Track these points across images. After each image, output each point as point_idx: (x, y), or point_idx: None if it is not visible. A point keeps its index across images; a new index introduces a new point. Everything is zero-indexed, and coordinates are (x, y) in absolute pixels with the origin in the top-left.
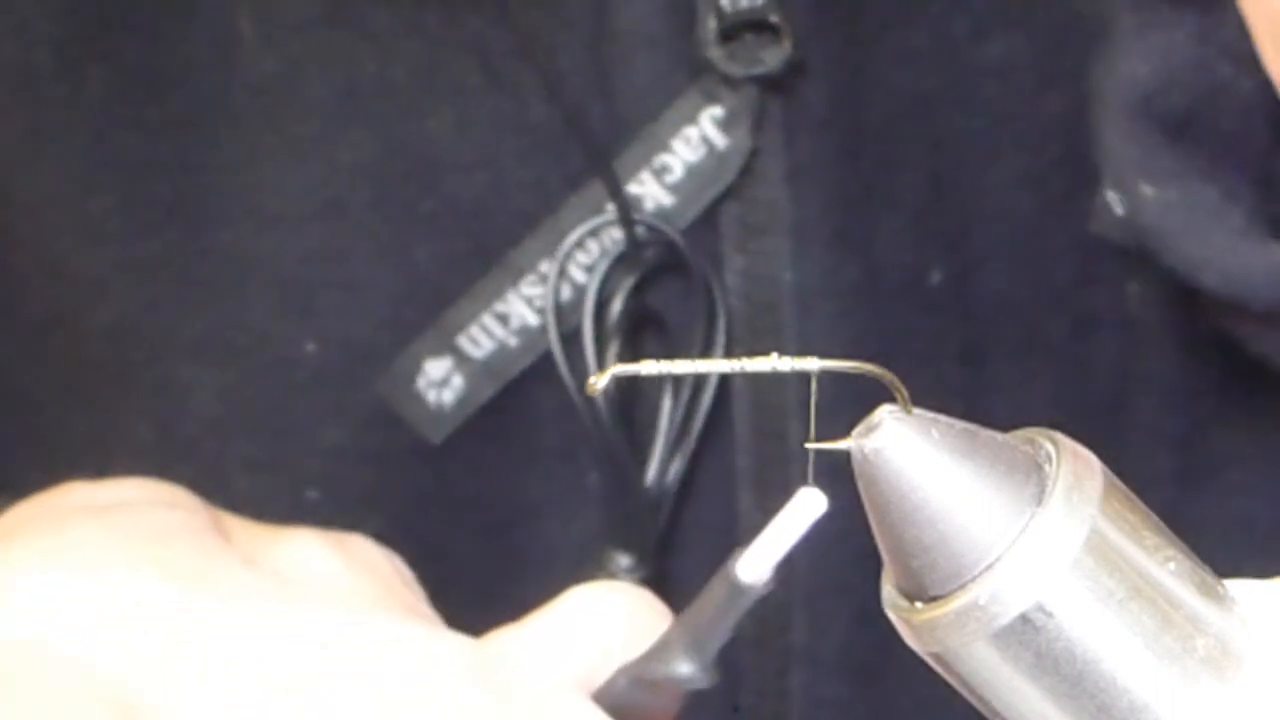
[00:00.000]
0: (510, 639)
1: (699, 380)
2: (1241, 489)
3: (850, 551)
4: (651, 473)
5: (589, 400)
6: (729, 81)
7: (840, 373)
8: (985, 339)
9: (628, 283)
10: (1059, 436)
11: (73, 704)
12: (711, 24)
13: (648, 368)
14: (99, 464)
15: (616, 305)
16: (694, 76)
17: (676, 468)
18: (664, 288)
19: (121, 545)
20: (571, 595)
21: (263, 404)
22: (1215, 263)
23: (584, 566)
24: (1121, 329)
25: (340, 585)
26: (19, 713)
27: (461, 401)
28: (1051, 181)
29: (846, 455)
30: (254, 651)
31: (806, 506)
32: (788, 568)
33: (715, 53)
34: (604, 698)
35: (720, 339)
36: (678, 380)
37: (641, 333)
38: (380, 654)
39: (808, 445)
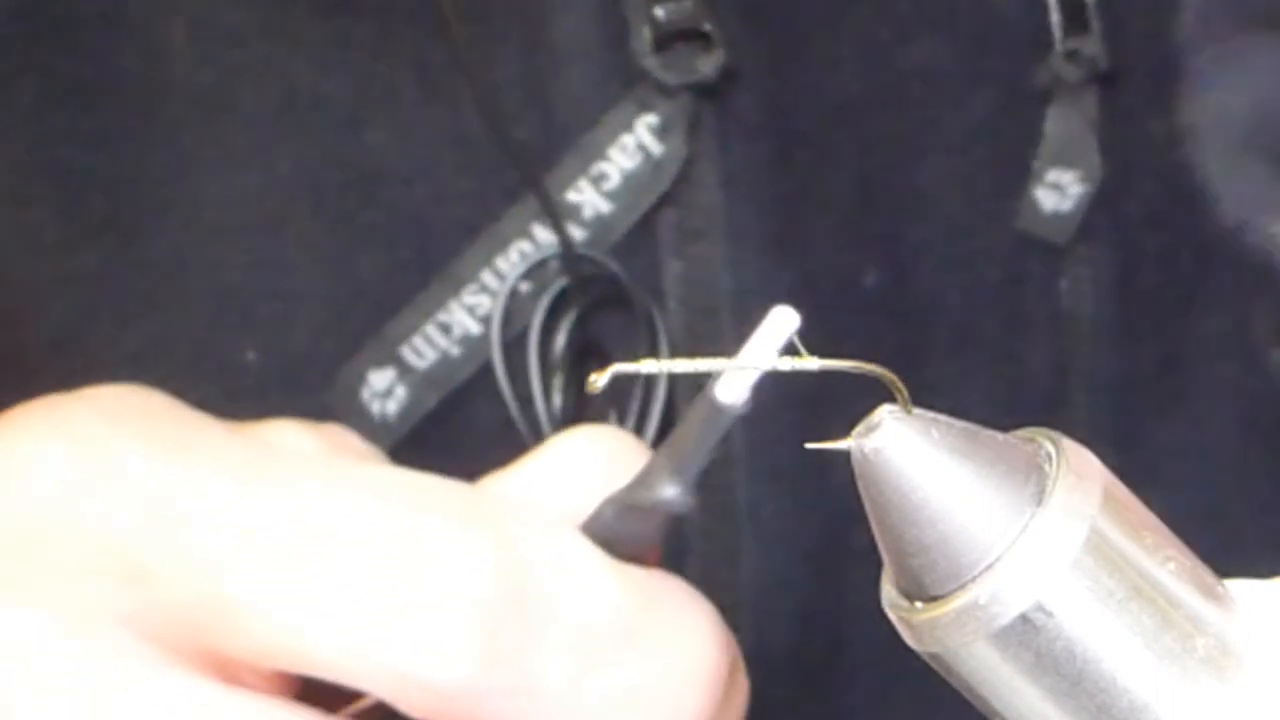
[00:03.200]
0: (500, 480)
1: (644, 408)
2: (1181, 483)
3: (796, 552)
4: None
5: (532, 421)
6: (664, 90)
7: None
8: (920, 339)
9: (570, 316)
10: (1059, 436)
11: (83, 571)
12: (646, 34)
13: (648, 366)
14: None
15: (560, 339)
16: (628, 85)
17: None
18: (605, 316)
19: (114, 420)
20: (555, 439)
21: (206, 413)
22: None
23: None
24: (1054, 326)
25: (323, 454)
26: (21, 588)
27: (405, 412)
28: (978, 182)
29: (789, 457)
30: (252, 509)
31: (780, 325)
32: (733, 570)
33: (650, 62)
34: (591, 528)
35: (662, 380)
36: (622, 408)
37: (584, 362)
38: (373, 499)
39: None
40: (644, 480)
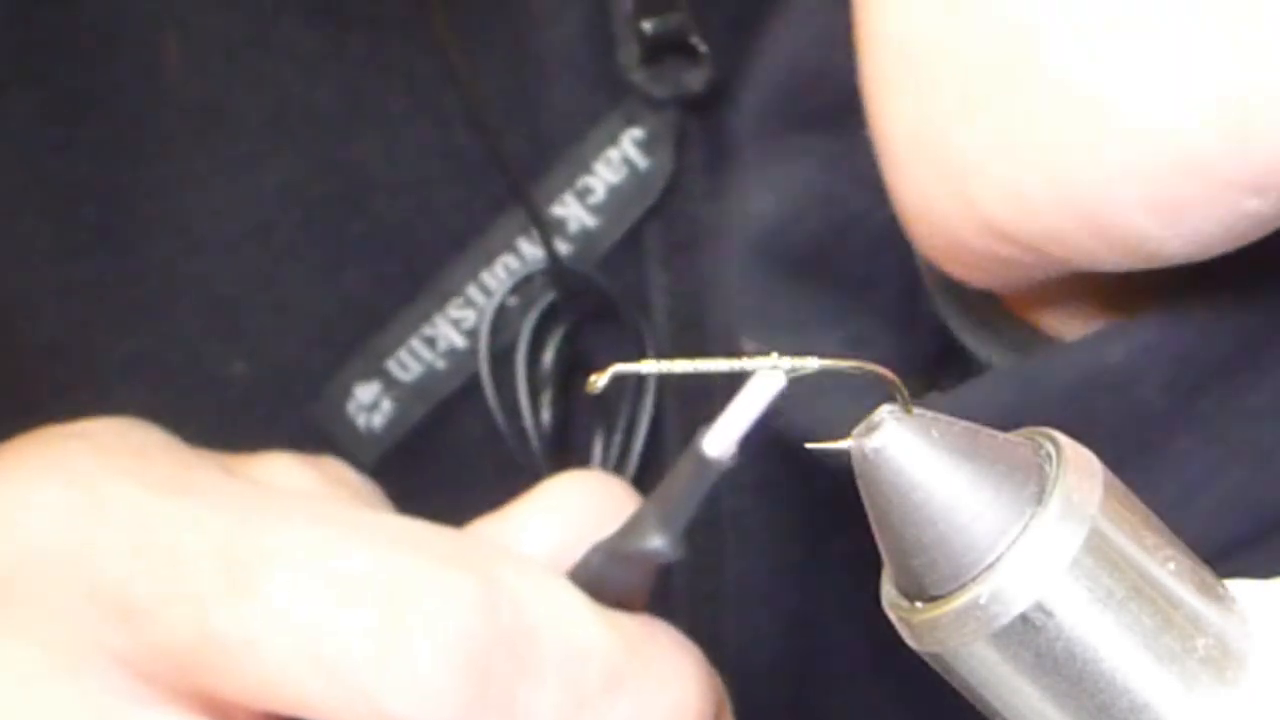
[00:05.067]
0: (488, 525)
1: (631, 424)
2: None
3: (779, 561)
4: None
5: (518, 435)
6: (651, 103)
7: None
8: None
9: (558, 332)
10: (1059, 436)
11: (70, 614)
12: (633, 47)
13: (647, 367)
14: None
15: (548, 355)
16: (615, 99)
17: None
18: (593, 331)
19: (109, 458)
20: (545, 484)
21: (194, 423)
22: (824, 431)
23: None
24: None
25: (316, 493)
26: (17, 626)
27: (391, 425)
28: None
29: (772, 467)
30: (242, 550)
31: (766, 383)
32: (717, 580)
33: (638, 75)
34: (579, 575)
35: (652, 386)
36: (609, 426)
37: (572, 377)
38: (364, 543)
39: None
40: (631, 529)
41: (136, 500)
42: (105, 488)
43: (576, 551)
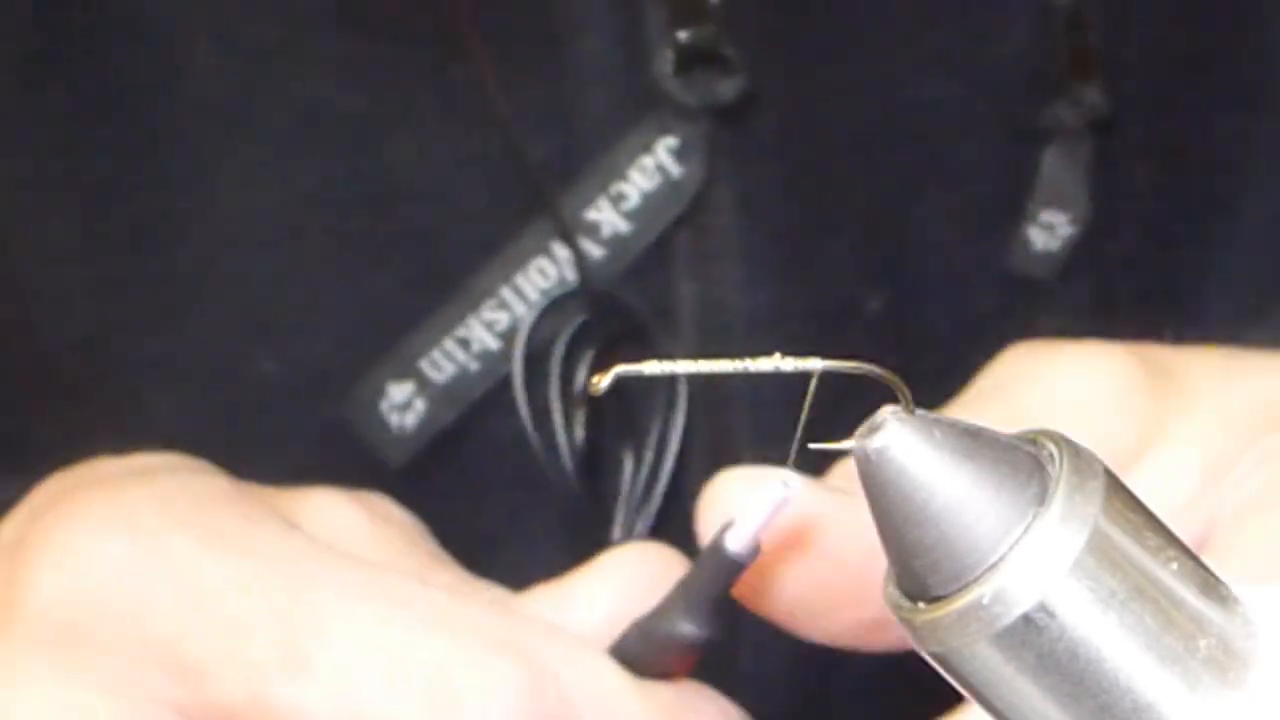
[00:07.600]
0: (547, 595)
1: (661, 444)
2: None
3: None
4: (616, 534)
5: (551, 447)
6: (684, 112)
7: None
8: (913, 366)
9: (590, 351)
10: (1062, 437)
11: (130, 663)
12: (668, 56)
13: (650, 368)
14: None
15: (580, 373)
16: (648, 107)
17: (641, 528)
18: (626, 348)
19: (171, 510)
20: (605, 556)
21: (222, 421)
22: None
23: None
24: None
25: (364, 536)
26: (80, 670)
27: (423, 425)
28: (971, 218)
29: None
30: (300, 620)
31: (779, 490)
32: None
33: (671, 84)
34: (619, 649)
35: (683, 404)
36: (639, 444)
37: (604, 399)
38: (415, 624)
39: (810, 446)
40: (662, 613)
41: (197, 557)
42: (166, 542)
43: (627, 621)
